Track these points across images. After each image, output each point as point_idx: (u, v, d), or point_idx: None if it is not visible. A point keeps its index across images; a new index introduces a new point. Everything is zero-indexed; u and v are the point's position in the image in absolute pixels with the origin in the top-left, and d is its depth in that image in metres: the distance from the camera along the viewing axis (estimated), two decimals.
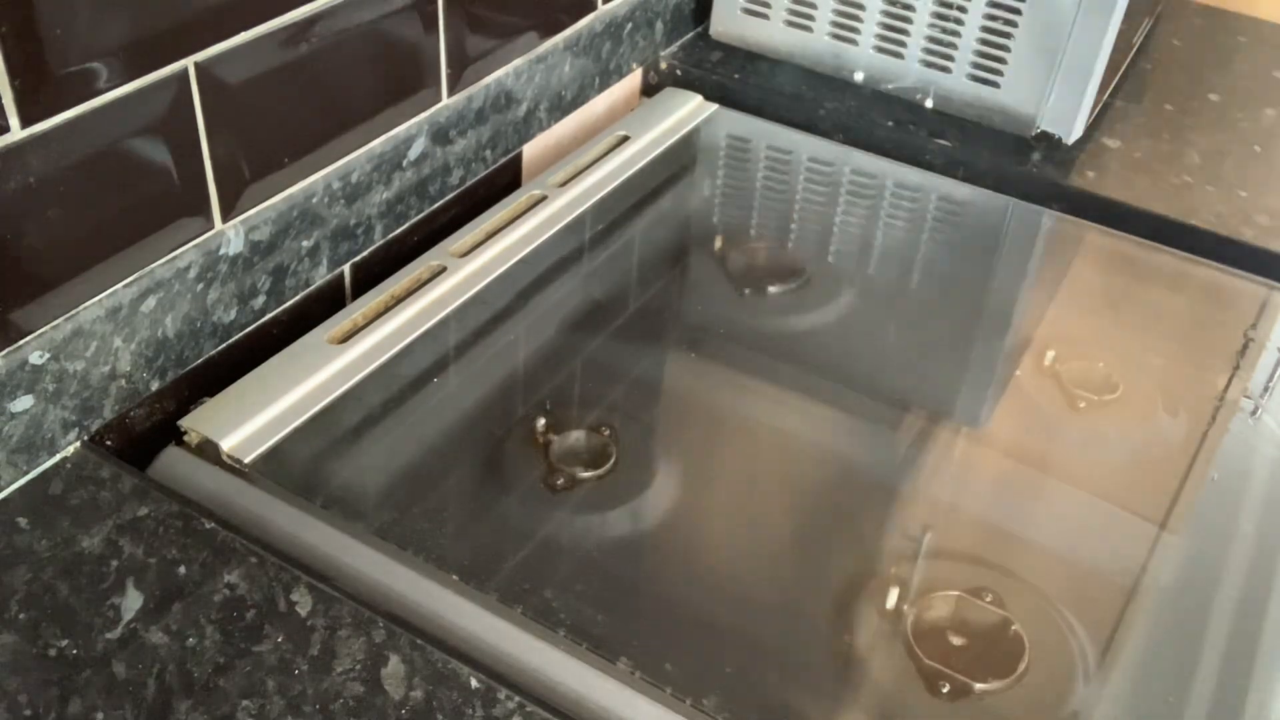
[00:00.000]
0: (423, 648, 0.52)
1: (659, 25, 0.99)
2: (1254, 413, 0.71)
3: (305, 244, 0.70)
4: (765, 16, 0.99)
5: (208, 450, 0.61)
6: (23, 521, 0.56)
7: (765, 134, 0.94)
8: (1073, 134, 0.92)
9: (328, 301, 0.74)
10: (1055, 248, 0.85)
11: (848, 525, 0.62)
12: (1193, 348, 0.76)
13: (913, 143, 0.93)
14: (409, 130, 0.75)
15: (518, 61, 0.83)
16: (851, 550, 0.60)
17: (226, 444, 0.60)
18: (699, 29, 1.04)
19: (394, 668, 0.51)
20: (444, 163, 0.79)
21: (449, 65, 0.76)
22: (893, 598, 0.57)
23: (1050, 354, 0.74)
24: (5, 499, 0.57)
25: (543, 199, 0.81)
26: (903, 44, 0.94)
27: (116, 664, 0.50)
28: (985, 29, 0.91)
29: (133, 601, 0.53)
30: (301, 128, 0.67)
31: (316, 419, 0.63)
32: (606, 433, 0.65)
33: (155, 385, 0.63)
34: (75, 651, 0.50)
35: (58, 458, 0.59)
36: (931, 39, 0.93)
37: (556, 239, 0.79)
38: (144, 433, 0.64)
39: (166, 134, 0.59)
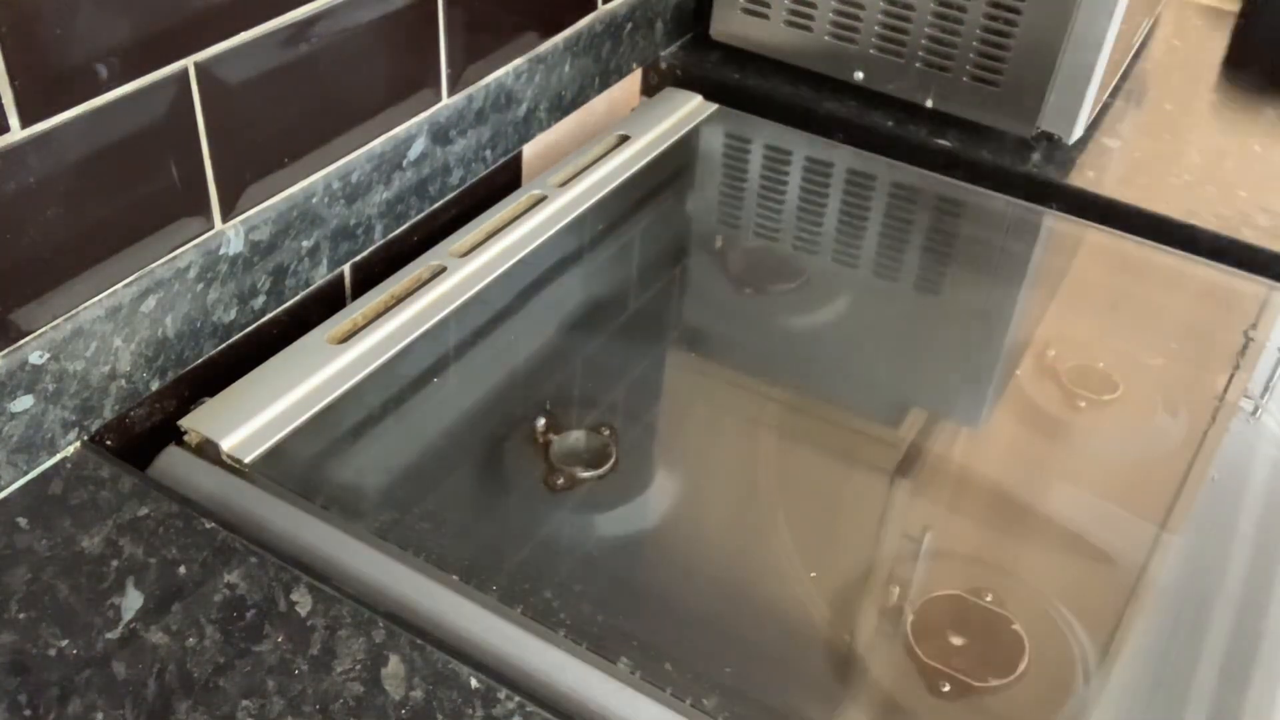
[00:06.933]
0: (423, 648, 0.52)
1: (659, 25, 0.99)
2: (1254, 413, 0.71)
3: (305, 244, 0.70)
4: (765, 16, 0.99)
5: (208, 450, 0.61)
6: (23, 521, 0.56)
7: (765, 134, 0.94)
8: (1073, 134, 0.92)
9: (328, 301, 0.74)
10: (1055, 248, 0.85)
11: (848, 525, 0.62)
12: (1193, 348, 0.76)
13: (913, 143, 0.93)
14: (409, 130, 0.75)
15: (518, 61, 0.83)
16: (851, 550, 0.60)
17: (226, 444, 0.60)
18: (699, 29, 1.04)
19: (394, 668, 0.51)
20: (444, 163, 0.79)
21: (449, 65, 0.76)
22: (893, 598, 0.57)
23: (1050, 354, 0.74)
24: (5, 499, 0.57)
25: (543, 199, 0.81)
26: (903, 44, 0.94)
27: (116, 664, 0.50)
28: (985, 29, 0.91)
29: (133, 601, 0.53)
30: (301, 128, 0.67)
31: (316, 419, 0.63)
32: (606, 433, 0.65)
33: (155, 385, 0.63)
34: (75, 651, 0.50)
35: (58, 458, 0.59)
36: (931, 39, 0.93)
37: (556, 239, 0.79)
38: (144, 433, 0.64)
39: (166, 134, 0.59)
